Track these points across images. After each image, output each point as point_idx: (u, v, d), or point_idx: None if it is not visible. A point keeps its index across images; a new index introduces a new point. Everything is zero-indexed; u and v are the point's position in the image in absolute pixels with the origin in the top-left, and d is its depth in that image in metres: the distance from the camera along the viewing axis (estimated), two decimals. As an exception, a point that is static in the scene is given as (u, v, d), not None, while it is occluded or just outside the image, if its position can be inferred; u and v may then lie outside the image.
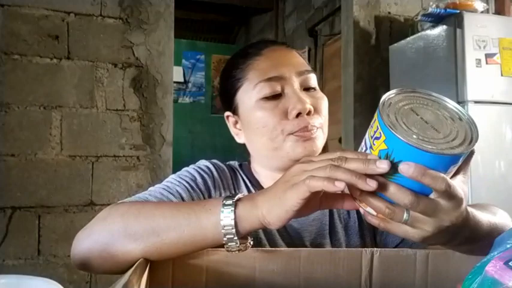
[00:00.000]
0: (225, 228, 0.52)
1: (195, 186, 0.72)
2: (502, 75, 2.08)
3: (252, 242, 0.56)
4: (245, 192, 0.77)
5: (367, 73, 2.63)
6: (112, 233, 0.56)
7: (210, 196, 0.73)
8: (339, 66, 2.93)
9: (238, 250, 0.53)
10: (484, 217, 0.55)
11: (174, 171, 2.52)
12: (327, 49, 3.60)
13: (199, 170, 0.76)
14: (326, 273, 0.56)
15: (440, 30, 2.19)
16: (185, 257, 0.56)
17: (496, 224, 0.57)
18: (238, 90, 0.75)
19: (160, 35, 2.28)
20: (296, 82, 0.72)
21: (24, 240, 2.02)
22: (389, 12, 2.67)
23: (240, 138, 0.79)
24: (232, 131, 0.80)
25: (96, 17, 2.19)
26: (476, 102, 2.03)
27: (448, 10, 2.14)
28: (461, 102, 2.04)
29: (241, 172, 0.80)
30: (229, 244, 0.53)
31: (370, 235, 0.78)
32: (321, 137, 0.72)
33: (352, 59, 2.62)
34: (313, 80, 0.75)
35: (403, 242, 0.73)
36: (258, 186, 0.78)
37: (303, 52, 3.88)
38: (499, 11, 2.45)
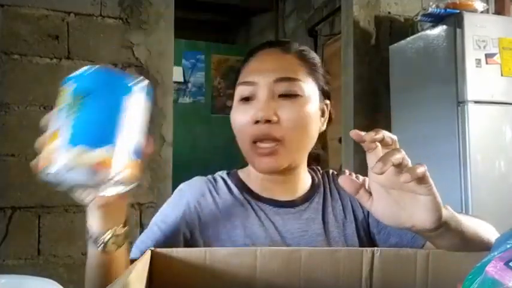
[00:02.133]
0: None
1: (167, 223, 0.73)
2: (502, 75, 2.08)
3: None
4: (228, 197, 0.77)
5: (367, 73, 2.63)
6: None
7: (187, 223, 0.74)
8: (339, 66, 2.93)
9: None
10: (466, 220, 0.59)
11: (174, 171, 2.51)
12: (327, 49, 3.60)
13: (171, 203, 0.78)
14: (327, 273, 0.56)
15: (440, 30, 2.19)
16: (185, 257, 0.56)
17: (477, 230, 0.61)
18: (235, 84, 0.79)
19: (160, 35, 2.28)
20: (270, 89, 0.72)
21: (24, 240, 2.02)
22: (389, 12, 2.67)
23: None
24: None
25: (96, 17, 2.19)
26: (476, 102, 2.03)
27: (448, 10, 2.14)
28: (461, 102, 2.04)
29: (228, 180, 0.80)
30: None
31: (367, 236, 0.78)
32: (282, 153, 0.71)
33: (352, 59, 2.62)
34: (295, 87, 0.73)
35: (399, 242, 0.74)
36: (244, 189, 0.78)
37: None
38: (499, 11, 2.44)
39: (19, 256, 2.01)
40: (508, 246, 0.44)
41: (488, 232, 0.64)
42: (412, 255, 0.57)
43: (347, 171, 0.84)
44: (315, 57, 0.80)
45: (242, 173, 0.82)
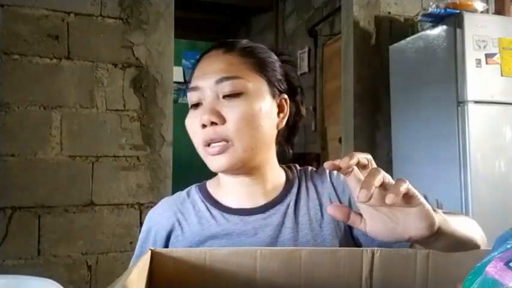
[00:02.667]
0: None
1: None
2: (502, 75, 2.08)
3: None
4: (195, 221, 0.77)
5: (367, 73, 2.63)
6: None
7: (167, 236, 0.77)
8: (339, 66, 2.93)
9: None
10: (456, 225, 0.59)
11: (174, 171, 2.51)
12: (327, 49, 3.60)
13: (143, 233, 0.81)
14: (327, 273, 0.56)
15: (440, 30, 2.19)
16: (185, 257, 0.56)
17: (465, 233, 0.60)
18: None
19: (160, 35, 2.28)
20: (213, 91, 0.72)
21: (24, 240, 2.02)
22: (389, 12, 2.67)
23: None
24: None
25: (96, 17, 2.19)
26: (476, 102, 2.04)
27: (448, 10, 2.14)
28: (461, 102, 2.04)
29: (195, 194, 0.81)
30: None
31: (347, 237, 0.75)
32: (231, 152, 0.71)
33: (352, 59, 2.62)
34: (238, 85, 0.71)
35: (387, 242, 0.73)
36: (212, 203, 0.78)
37: (302, 52, 3.88)
38: (499, 11, 2.45)
39: (19, 256, 2.01)
40: (508, 246, 0.44)
41: (473, 228, 0.65)
42: (412, 255, 0.57)
43: (325, 164, 0.81)
44: (265, 52, 0.78)
45: (211, 184, 0.82)
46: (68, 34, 2.14)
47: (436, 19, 2.21)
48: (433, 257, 0.57)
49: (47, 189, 2.06)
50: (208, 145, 0.71)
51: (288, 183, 0.79)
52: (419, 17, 2.27)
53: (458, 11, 2.11)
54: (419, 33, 2.36)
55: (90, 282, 2.11)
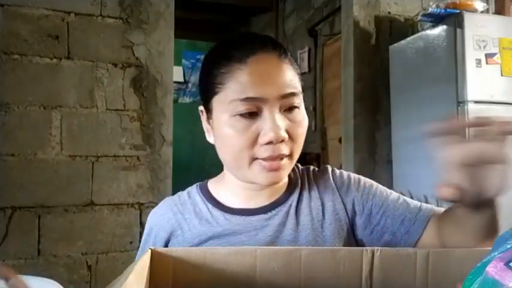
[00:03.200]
0: None
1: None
2: (502, 75, 2.08)
3: None
4: (196, 222, 0.76)
5: (367, 73, 2.63)
6: None
7: (168, 237, 0.76)
8: (339, 66, 2.93)
9: None
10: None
11: (174, 171, 2.51)
12: (327, 49, 3.60)
13: (145, 235, 0.80)
14: (327, 272, 0.56)
15: (440, 30, 2.19)
16: (185, 257, 0.56)
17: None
18: (215, 96, 0.70)
19: (160, 35, 2.28)
20: (277, 104, 0.67)
21: (24, 240, 2.02)
22: (389, 12, 2.67)
23: (210, 137, 0.75)
24: (205, 126, 0.76)
25: (96, 17, 2.19)
26: (476, 102, 2.03)
27: (448, 10, 2.14)
28: (461, 102, 2.04)
29: (196, 195, 0.79)
30: None
31: (350, 238, 0.75)
32: (288, 166, 0.70)
33: (352, 59, 2.62)
34: (298, 99, 0.69)
35: (393, 239, 0.73)
36: (214, 204, 0.77)
37: (302, 52, 3.88)
38: (499, 11, 2.45)
39: (19, 256, 2.01)
40: (508, 246, 0.44)
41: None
42: (412, 254, 0.57)
43: (329, 167, 0.82)
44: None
45: (212, 184, 0.81)
46: (68, 34, 2.14)
47: (436, 19, 2.21)
48: (433, 257, 0.57)
49: (47, 189, 2.06)
50: (266, 159, 0.68)
51: (291, 184, 0.78)
52: (419, 17, 2.27)
53: (458, 11, 2.11)
54: (419, 33, 2.36)
55: (90, 282, 2.11)
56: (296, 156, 0.71)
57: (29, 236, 2.03)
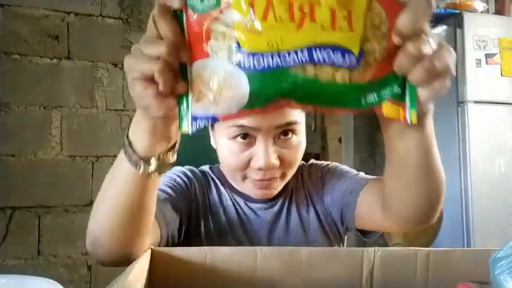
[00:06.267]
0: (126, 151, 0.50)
1: (176, 184, 0.76)
2: (502, 75, 2.08)
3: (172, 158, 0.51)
4: (214, 193, 0.81)
5: (367, 73, 2.62)
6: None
7: (188, 195, 0.77)
8: (339, 66, 2.92)
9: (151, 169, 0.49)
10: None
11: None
12: (327, 49, 3.60)
13: (177, 173, 0.80)
14: (327, 272, 0.56)
15: (440, 30, 2.19)
16: (185, 257, 0.56)
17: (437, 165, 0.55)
18: None
19: (160, 35, 2.28)
20: (271, 133, 0.69)
21: (24, 240, 2.02)
22: (389, 12, 2.66)
23: (213, 143, 0.79)
24: (210, 132, 0.80)
25: (96, 17, 2.19)
26: (476, 102, 2.04)
27: (448, 10, 2.14)
28: (461, 102, 2.04)
29: (211, 174, 0.83)
30: (138, 166, 0.49)
31: (331, 225, 0.80)
32: (280, 184, 0.75)
33: (352, 59, 2.61)
34: (295, 127, 0.71)
35: (347, 226, 0.77)
36: (227, 184, 0.81)
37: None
38: (499, 11, 2.44)
39: (19, 256, 2.01)
40: None
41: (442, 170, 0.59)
42: (413, 254, 0.57)
43: (318, 162, 0.87)
44: None
45: (223, 168, 0.84)
46: (68, 34, 2.14)
47: (436, 19, 2.21)
48: (434, 257, 0.57)
49: (47, 189, 2.06)
50: (255, 179, 0.72)
51: (286, 185, 0.82)
52: (419, 17, 2.27)
53: (458, 11, 2.11)
54: (419, 33, 2.36)
55: (90, 282, 2.11)
56: (290, 175, 0.75)
57: (29, 236, 2.03)
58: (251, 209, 0.79)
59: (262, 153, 0.69)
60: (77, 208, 2.10)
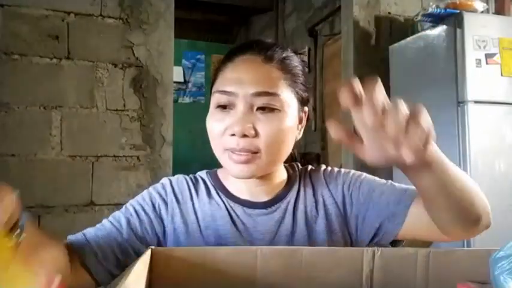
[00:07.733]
0: None
1: (139, 214, 0.75)
2: (502, 75, 2.08)
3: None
4: (204, 198, 0.79)
5: (367, 73, 2.62)
6: None
7: (160, 213, 0.76)
8: (339, 66, 2.93)
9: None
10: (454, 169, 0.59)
11: (174, 171, 2.52)
12: (327, 49, 3.60)
13: (151, 192, 0.79)
14: (327, 272, 0.56)
15: (440, 30, 2.19)
16: (185, 257, 0.56)
17: (466, 184, 0.61)
18: (212, 87, 0.77)
19: (160, 35, 2.28)
20: (248, 101, 0.70)
21: (24, 240, 2.02)
22: (389, 13, 2.66)
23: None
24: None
25: (96, 17, 2.19)
26: (476, 102, 2.03)
27: (448, 10, 2.14)
28: (461, 102, 2.04)
29: (207, 180, 0.82)
30: None
31: (343, 231, 0.77)
32: (257, 162, 0.71)
33: (352, 59, 2.62)
34: (275, 101, 0.71)
35: (375, 238, 0.74)
36: (222, 189, 0.80)
37: (302, 52, 3.88)
38: (499, 11, 2.44)
39: (19, 256, 2.01)
40: None
41: (474, 187, 0.65)
42: (413, 254, 0.57)
43: (323, 166, 0.85)
44: (297, 65, 0.77)
45: (221, 173, 0.83)
46: (68, 34, 2.14)
47: (436, 19, 2.20)
48: (434, 257, 0.57)
49: (47, 189, 2.06)
50: (232, 151, 0.71)
51: (290, 182, 0.81)
52: (419, 17, 2.27)
53: (458, 11, 2.10)
54: (419, 33, 2.36)
55: (90, 282, 2.11)
56: (267, 157, 0.71)
57: (29, 236, 2.03)
58: (249, 215, 0.77)
59: (237, 118, 0.70)
60: (77, 208, 2.10)
